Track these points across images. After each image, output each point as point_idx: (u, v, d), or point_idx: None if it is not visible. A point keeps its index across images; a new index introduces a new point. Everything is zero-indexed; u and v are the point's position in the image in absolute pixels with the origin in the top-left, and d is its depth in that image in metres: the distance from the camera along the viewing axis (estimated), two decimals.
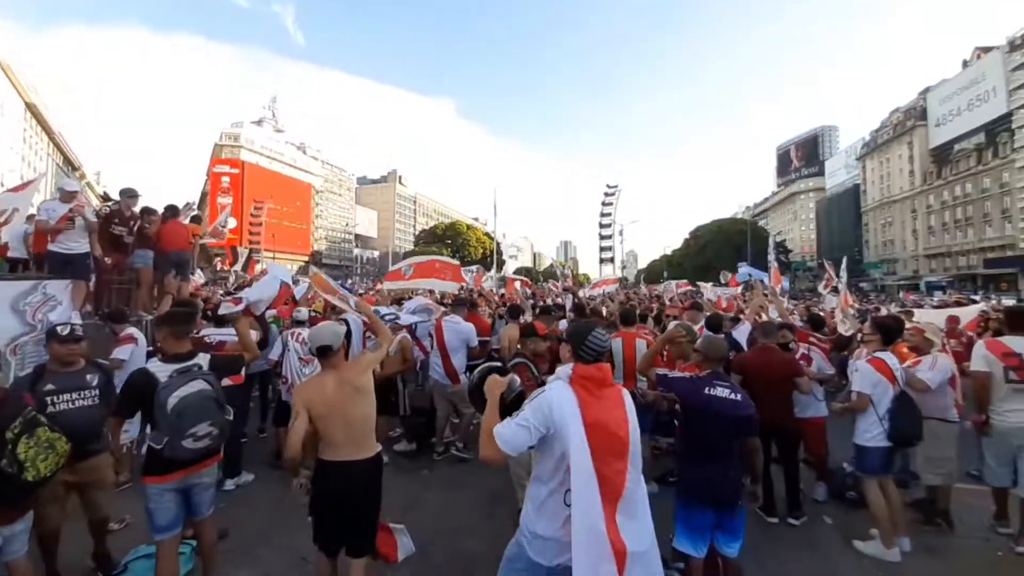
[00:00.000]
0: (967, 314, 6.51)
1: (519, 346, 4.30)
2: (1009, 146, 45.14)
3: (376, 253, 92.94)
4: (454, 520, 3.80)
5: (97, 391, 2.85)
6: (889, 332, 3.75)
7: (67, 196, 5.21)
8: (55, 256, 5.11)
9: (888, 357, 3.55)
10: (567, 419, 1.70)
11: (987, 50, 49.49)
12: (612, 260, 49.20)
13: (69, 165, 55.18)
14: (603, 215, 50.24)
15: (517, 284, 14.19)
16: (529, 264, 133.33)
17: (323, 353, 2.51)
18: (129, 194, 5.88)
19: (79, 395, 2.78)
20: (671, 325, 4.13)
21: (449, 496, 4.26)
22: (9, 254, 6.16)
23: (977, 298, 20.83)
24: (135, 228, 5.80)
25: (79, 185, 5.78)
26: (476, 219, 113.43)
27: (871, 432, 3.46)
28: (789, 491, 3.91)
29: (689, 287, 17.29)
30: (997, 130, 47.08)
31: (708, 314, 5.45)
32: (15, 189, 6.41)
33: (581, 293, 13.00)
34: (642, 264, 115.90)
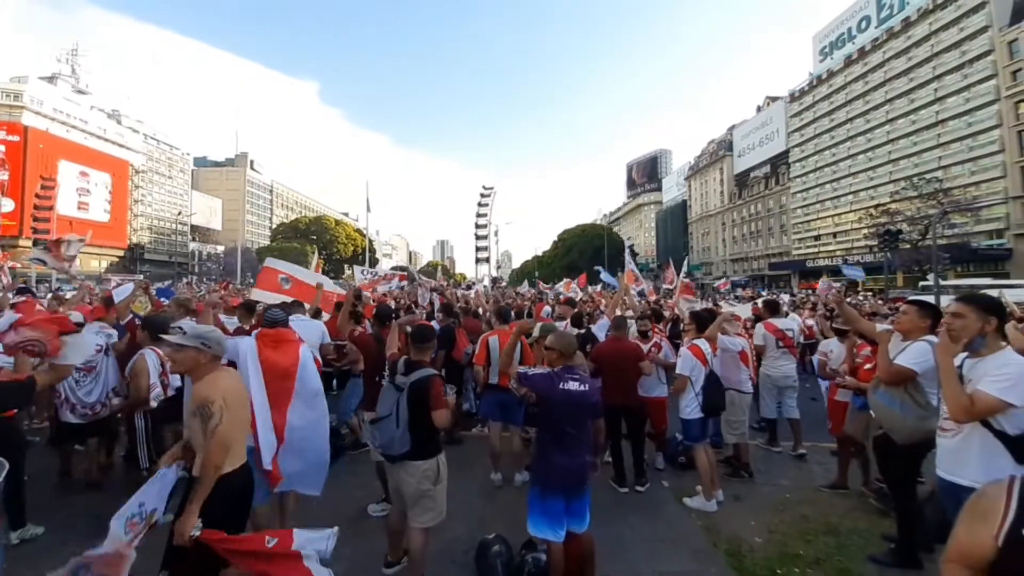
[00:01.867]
0: (742, 311, 8.57)
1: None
2: (786, 175, 59.11)
3: (220, 248, 79.81)
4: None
5: None
6: (703, 322, 4.61)
7: None
8: None
9: (703, 344, 4.34)
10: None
11: (774, 99, 63.92)
12: (488, 260, 50.49)
13: None
14: (479, 215, 51.23)
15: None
16: (405, 262, 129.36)
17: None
18: None
19: None
20: (536, 327, 4.43)
21: (311, 516, 3.90)
22: None
23: (764, 293, 26.70)
24: None
25: None
26: (346, 214, 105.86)
27: (690, 407, 4.22)
28: (636, 463, 4.52)
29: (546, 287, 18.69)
30: (779, 163, 61.16)
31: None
32: None
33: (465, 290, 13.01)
34: (516, 264, 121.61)
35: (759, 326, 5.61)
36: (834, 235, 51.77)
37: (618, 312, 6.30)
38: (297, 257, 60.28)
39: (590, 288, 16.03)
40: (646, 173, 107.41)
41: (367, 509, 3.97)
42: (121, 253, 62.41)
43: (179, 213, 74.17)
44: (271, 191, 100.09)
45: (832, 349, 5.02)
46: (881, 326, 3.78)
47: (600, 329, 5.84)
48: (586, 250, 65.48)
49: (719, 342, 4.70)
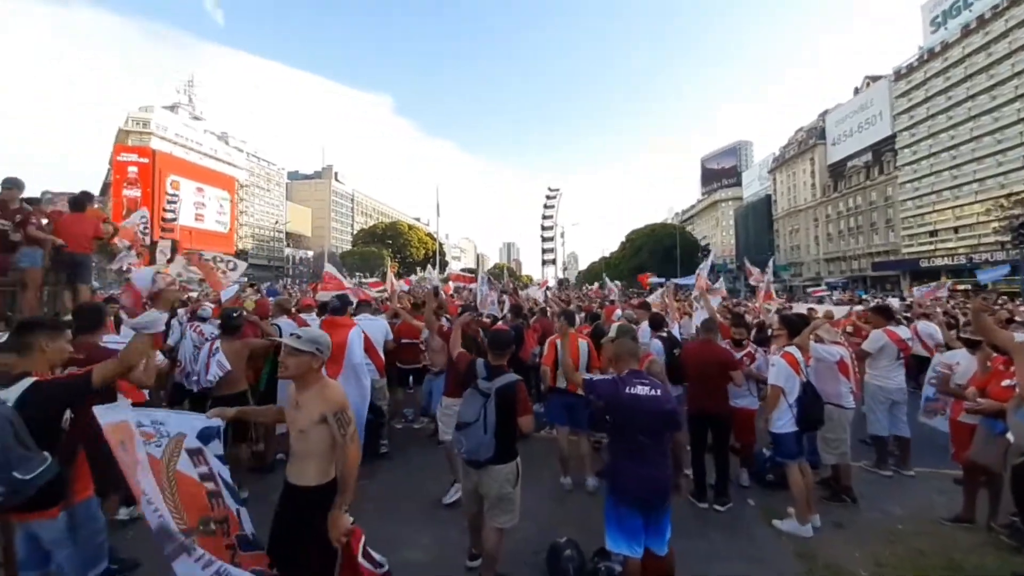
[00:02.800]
0: (838, 312, 7.66)
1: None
2: (892, 164, 52.16)
3: (310, 252, 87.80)
4: (394, 529, 3.69)
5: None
6: (795, 327, 4.18)
7: None
8: None
9: (795, 351, 3.94)
10: None
11: (875, 79, 56.87)
12: (554, 262, 50.35)
13: None
14: (545, 218, 51.28)
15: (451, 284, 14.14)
16: (473, 265, 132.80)
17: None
18: (13, 184, 5.10)
19: None
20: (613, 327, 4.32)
21: (390, 504, 4.13)
22: None
23: (868, 297, 23.78)
24: (20, 223, 5.04)
25: None
26: (418, 219, 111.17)
27: (783, 419, 3.83)
28: (719, 479, 4.20)
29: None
30: (883, 150, 54.19)
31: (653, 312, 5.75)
32: None
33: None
34: (583, 265, 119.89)
35: (879, 333, 5.00)
36: (955, 230, 44.62)
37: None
38: (375, 260, 64.57)
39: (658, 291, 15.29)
40: (723, 167, 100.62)
41: (443, 499, 4.12)
42: (230, 259, 70.88)
43: (276, 222, 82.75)
44: (352, 199, 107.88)
45: (958, 361, 4.35)
46: (1021, 336, 3.20)
47: (677, 333, 5.57)
48: (656, 250, 62.87)
49: (813, 351, 4.26)
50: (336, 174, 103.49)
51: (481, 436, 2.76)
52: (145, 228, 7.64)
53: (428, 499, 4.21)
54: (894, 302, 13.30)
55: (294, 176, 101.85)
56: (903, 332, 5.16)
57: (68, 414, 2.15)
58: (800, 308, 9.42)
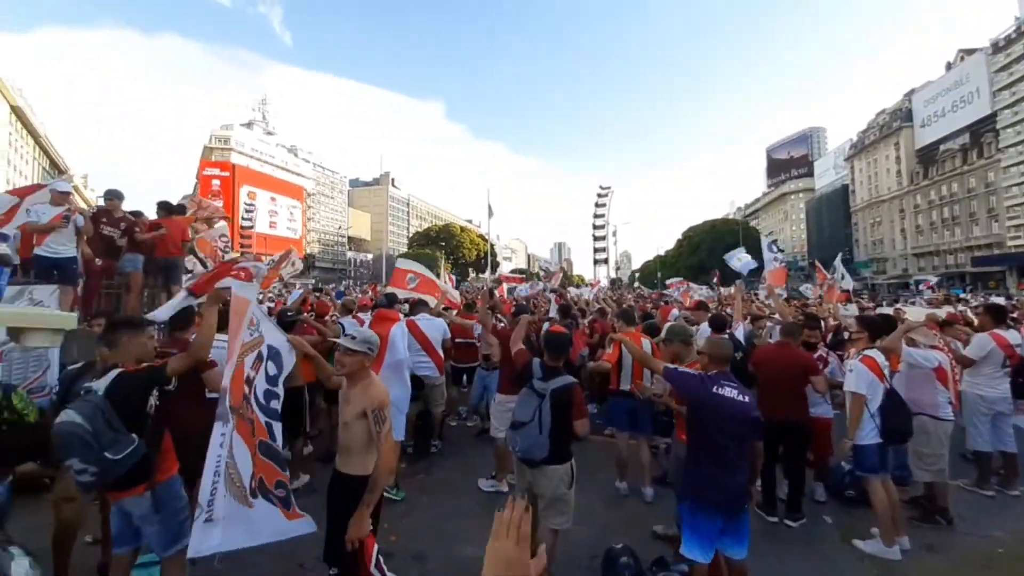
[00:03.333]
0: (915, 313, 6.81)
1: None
2: (994, 146, 45.90)
3: (370, 256, 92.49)
4: (450, 525, 3.76)
5: None
6: (876, 329, 3.78)
7: (58, 198, 5.08)
8: (41, 260, 5.00)
9: (877, 355, 3.56)
10: None
11: (970, 52, 50.37)
12: (606, 261, 49.36)
13: (56, 168, 54.34)
14: (596, 216, 50.42)
15: (505, 286, 14.15)
16: (523, 265, 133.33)
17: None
18: (113, 195, 5.77)
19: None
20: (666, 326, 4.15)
21: (445, 500, 4.22)
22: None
23: (967, 296, 21.13)
24: (126, 230, 5.70)
25: (70, 187, 5.63)
26: (470, 221, 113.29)
27: (864, 429, 3.46)
28: (792, 492, 3.90)
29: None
30: (982, 131, 47.87)
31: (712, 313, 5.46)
32: (19, 192, 6.00)
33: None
34: (636, 265, 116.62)
35: (984, 337, 4.44)
36: None
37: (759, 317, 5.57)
38: (428, 262, 66.61)
39: (723, 290, 14.40)
40: (793, 157, 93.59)
41: (478, 483, 4.15)
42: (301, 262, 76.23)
43: (339, 227, 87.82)
44: (408, 204, 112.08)
45: None
46: None
47: (739, 334, 5.23)
48: (716, 248, 59.37)
49: (906, 356, 3.84)
50: (393, 180, 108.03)
51: (536, 436, 2.77)
52: (226, 245, 8.33)
53: (481, 495, 4.26)
54: (1000, 302, 11.71)
55: (355, 183, 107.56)
56: (1013, 337, 4.50)
57: (153, 400, 2.37)
58: (884, 308, 8.54)
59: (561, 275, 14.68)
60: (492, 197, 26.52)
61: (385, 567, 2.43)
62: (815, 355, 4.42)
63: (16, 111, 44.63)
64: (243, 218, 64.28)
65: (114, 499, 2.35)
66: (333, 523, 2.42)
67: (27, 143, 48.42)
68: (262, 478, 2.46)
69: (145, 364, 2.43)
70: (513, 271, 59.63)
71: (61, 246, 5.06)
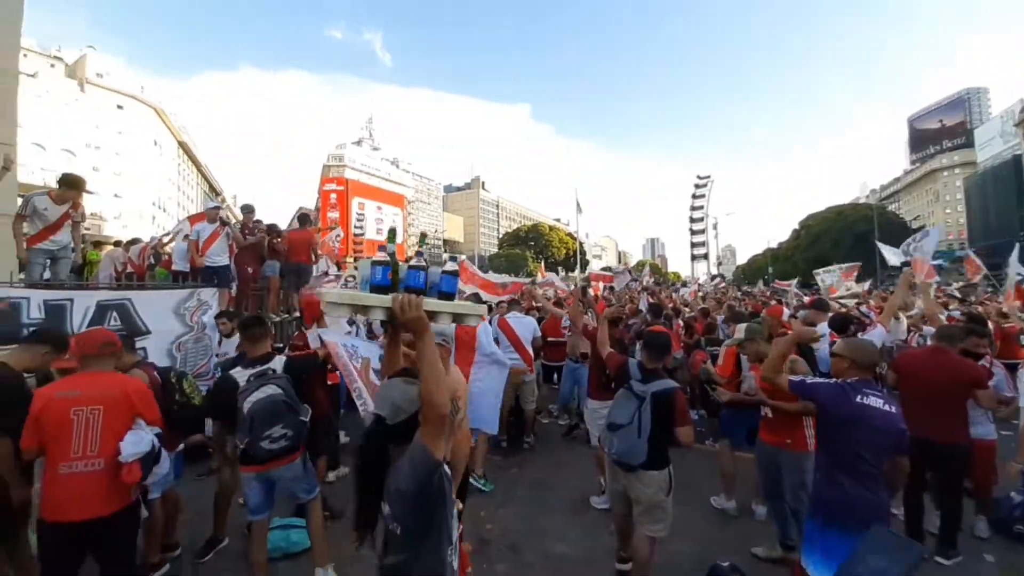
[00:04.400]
0: None
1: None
2: None
3: (463, 257, 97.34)
4: (542, 521, 3.79)
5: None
6: None
7: (212, 213, 6.23)
8: (205, 269, 6.07)
9: None
10: None
11: None
12: (705, 256, 45.84)
13: (212, 191, 65.54)
14: (694, 209, 47.04)
15: (602, 285, 13.78)
16: (614, 263, 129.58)
17: None
18: (247, 209, 6.84)
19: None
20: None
21: (537, 496, 4.25)
22: (173, 268, 7.44)
23: None
24: (262, 240, 6.74)
25: (219, 203, 6.86)
26: (558, 220, 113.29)
27: None
28: (946, 525, 3.27)
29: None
30: None
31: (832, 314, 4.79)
32: (194, 218, 7.57)
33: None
34: (742, 259, 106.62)
35: None
36: None
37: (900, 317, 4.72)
38: (519, 262, 68.04)
39: (858, 285, 12.30)
40: (944, 126, 77.98)
41: (589, 500, 4.08)
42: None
43: (436, 231, 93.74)
44: (497, 206, 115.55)
45: None
46: None
47: (874, 339, 4.48)
48: (843, 238, 51.05)
49: None
50: (483, 184, 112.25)
51: (634, 440, 2.70)
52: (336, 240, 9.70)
53: (573, 494, 4.24)
54: None
55: (448, 189, 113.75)
56: None
57: None
58: None
59: (627, 275, 13.69)
60: (580, 194, 26.23)
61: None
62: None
63: (182, 146, 54.80)
64: (355, 226, 71.59)
65: (266, 469, 2.74)
66: None
67: (191, 171, 59.15)
68: None
69: (303, 351, 3.00)
70: (603, 269, 58.29)
71: (218, 257, 6.11)
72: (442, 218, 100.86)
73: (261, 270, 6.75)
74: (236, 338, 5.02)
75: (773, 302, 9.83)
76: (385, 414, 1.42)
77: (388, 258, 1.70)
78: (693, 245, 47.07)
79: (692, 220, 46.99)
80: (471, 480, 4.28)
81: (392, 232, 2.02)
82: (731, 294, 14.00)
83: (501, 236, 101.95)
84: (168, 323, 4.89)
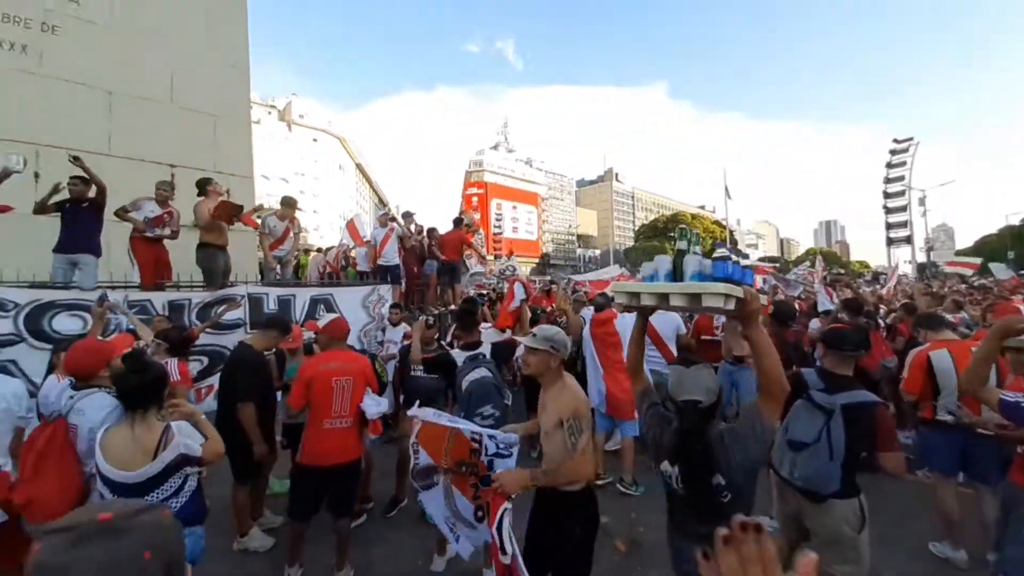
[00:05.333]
0: None
1: None
2: None
3: (597, 251, 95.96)
4: None
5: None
6: None
7: (382, 219, 7.35)
8: (380, 268, 7.10)
9: None
10: None
11: None
12: (907, 240, 36.68)
13: (381, 203, 76.69)
14: (889, 181, 37.89)
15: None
16: (775, 252, 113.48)
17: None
18: (407, 215, 7.78)
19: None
20: None
21: None
22: (358, 268, 8.92)
23: None
24: (423, 242, 7.62)
25: (387, 212, 7.99)
26: (702, 207, 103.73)
27: None
28: None
29: None
30: None
31: None
32: (350, 226, 9.19)
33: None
34: (963, 242, 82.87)
35: None
36: None
37: None
38: (659, 254, 64.11)
39: None
40: None
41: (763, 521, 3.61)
42: (536, 261, 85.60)
43: (569, 226, 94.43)
44: (632, 197, 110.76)
45: None
46: None
47: None
48: None
49: None
50: (616, 175, 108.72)
51: (824, 463, 2.23)
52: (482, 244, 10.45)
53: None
54: None
55: (581, 183, 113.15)
56: None
57: None
58: None
59: (824, 266, 11.30)
60: (728, 176, 23.16)
61: (511, 537, 1.89)
62: None
63: (359, 167, 65.17)
64: (494, 226, 76.36)
65: None
66: (537, 541, 2.19)
67: (365, 188, 70.01)
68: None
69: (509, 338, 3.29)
70: (761, 259, 51.20)
71: (391, 256, 7.09)
72: (575, 213, 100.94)
73: (423, 268, 7.66)
74: (402, 327, 5.75)
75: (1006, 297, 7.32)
76: (701, 398, 1.64)
77: (728, 253, 1.80)
78: (889, 227, 38.09)
79: (887, 196, 38.03)
80: (619, 486, 4.17)
81: (685, 232, 1.99)
82: (918, 288, 10.29)
83: (637, 228, 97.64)
84: (358, 314, 5.86)
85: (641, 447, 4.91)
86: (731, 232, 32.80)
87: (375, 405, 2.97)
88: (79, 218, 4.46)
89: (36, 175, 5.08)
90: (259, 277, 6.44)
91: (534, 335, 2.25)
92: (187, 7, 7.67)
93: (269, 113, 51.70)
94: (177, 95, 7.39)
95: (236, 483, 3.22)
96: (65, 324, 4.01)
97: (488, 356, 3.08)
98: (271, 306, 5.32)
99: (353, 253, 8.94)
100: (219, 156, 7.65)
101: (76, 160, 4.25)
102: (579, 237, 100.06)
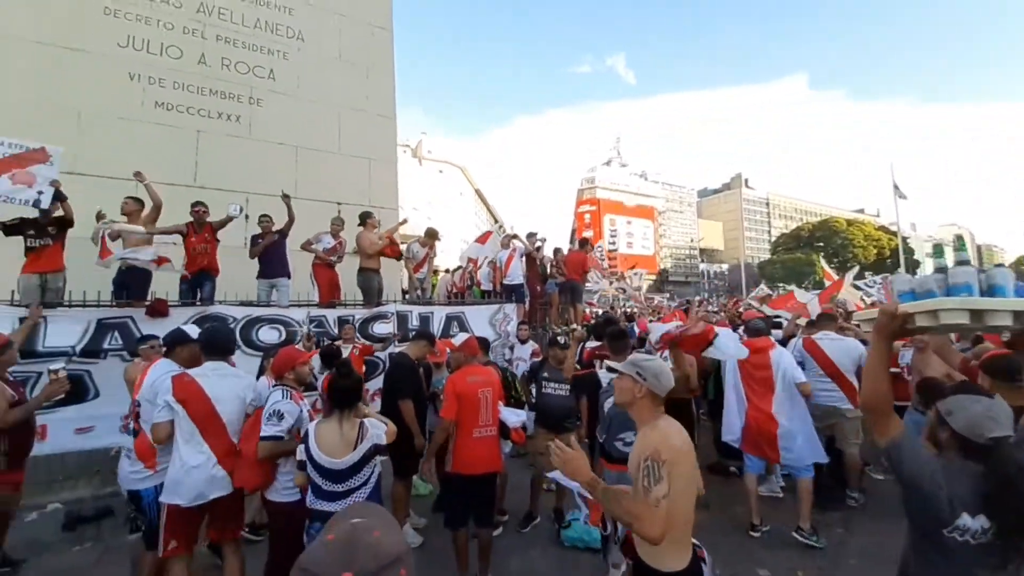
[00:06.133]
0: None
1: None
2: None
3: (724, 266, 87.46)
4: None
5: (569, 386, 3.85)
6: None
7: (505, 241, 7.68)
8: (504, 287, 7.45)
9: None
10: None
11: None
12: None
13: (497, 224, 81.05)
14: None
15: None
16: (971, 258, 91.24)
17: None
18: (531, 235, 8.01)
19: (559, 386, 3.85)
20: None
21: (870, 569, 3.23)
22: (482, 287, 9.48)
23: None
24: (542, 261, 7.81)
25: (511, 234, 8.38)
26: (860, 211, 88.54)
27: None
28: None
29: None
30: None
31: None
32: (480, 240, 9.70)
33: None
34: None
35: None
36: None
37: None
38: (802, 268, 56.09)
39: None
40: None
41: None
42: (654, 277, 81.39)
43: (690, 240, 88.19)
44: (767, 204, 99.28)
45: None
46: None
47: None
48: None
49: None
50: (746, 181, 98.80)
51: None
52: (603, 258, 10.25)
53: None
54: None
55: (703, 194, 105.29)
56: None
57: None
58: None
59: None
60: (897, 173, 19.00)
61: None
62: None
63: (478, 193, 69.91)
64: (608, 242, 75.03)
65: (623, 471, 2.55)
66: None
67: (483, 211, 74.63)
68: None
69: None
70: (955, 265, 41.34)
71: (516, 276, 7.40)
72: (696, 225, 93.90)
73: (546, 287, 7.83)
74: (530, 344, 5.91)
75: None
76: (1008, 432, 1.39)
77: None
78: None
79: None
80: (797, 536, 3.59)
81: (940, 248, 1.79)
82: None
83: (774, 239, 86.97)
84: (486, 331, 6.20)
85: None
86: (904, 239, 27.21)
87: (513, 415, 3.15)
88: (275, 250, 5.61)
89: (246, 217, 6.45)
90: (403, 296, 7.25)
91: (630, 361, 1.94)
92: (350, 72, 9.20)
93: (404, 152, 58.74)
94: (343, 145, 8.84)
95: (396, 477, 3.59)
96: (267, 335, 4.98)
97: None
98: (414, 322, 5.92)
99: (479, 275, 9.55)
100: (372, 192, 8.89)
101: (285, 196, 5.66)
102: (702, 251, 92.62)
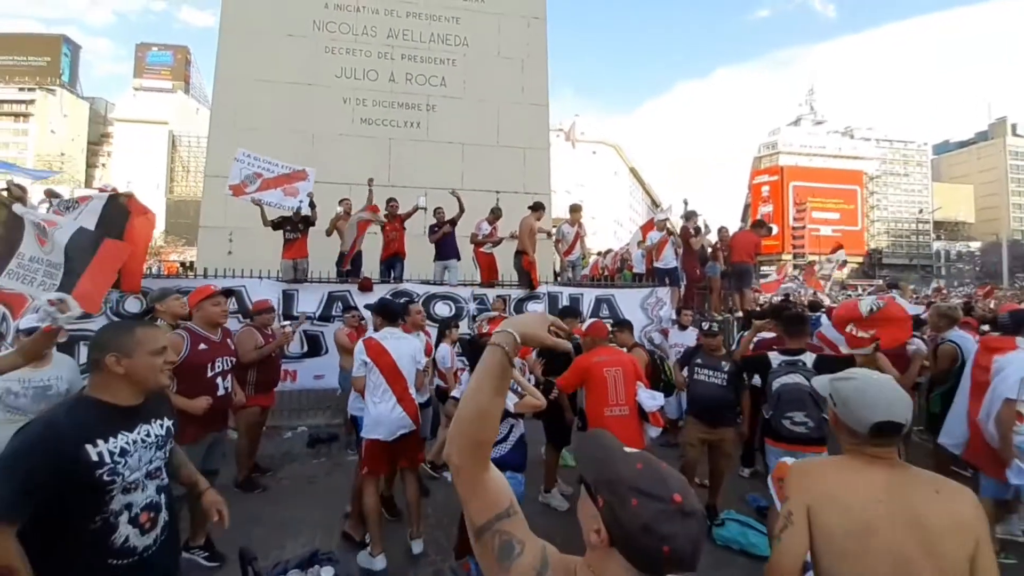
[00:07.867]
0: None
1: None
2: None
3: (974, 245, 65.18)
4: None
5: (726, 375, 3.53)
6: None
7: (660, 224, 7.15)
8: (657, 271, 7.06)
9: None
10: None
11: None
12: None
13: (654, 204, 75.94)
14: None
15: None
16: None
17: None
18: (691, 213, 7.32)
19: (713, 374, 3.59)
20: None
21: None
22: (634, 270, 9.15)
23: None
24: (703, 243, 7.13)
25: (665, 215, 7.80)
26: None
27: None
28: None
29: None
30: None
31: None
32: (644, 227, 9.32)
33: None
34: None
35: None
36: None
37: None
38: None
39: None
40: None
41: None
42: (860, 260, 65.70)
43: (920, 211, 68.37)
44: None
45: None
46: None
47: None
48: None
49: None
50: (1013, 127, 71.57)
51: None
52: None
53: None
54: None
55: (942, 149, 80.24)
56: None
57: None
58: None
59: None
60: None
61: None
62: None
63: (632, 171, 66.41)
64: (794, 220, 63.53)
65: (792, 450, 2.63)
66: None
67: (638, 189, 70.75)
68: None
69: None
70: None
71: (669, 259, 6.96)
72: (930, 191, 71.94)
73: (706, 270, 7.16)
74: (691, 331, 5.56)
75: None
76: None
77: None
78: None
79: None
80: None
81: None
82: None
83: None
84: (636, 315, 6.04)
85: None
86: None
87: (651, 398, 3.12)
88: (447, 236, 6.44)
89: (424, 209, 7.51)
90: (554, 278, 7.52)
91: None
92: (507, 67, 9.78)
93: (557, 136, 59.46)
94: (501, 137, 9.52)
95: (549, 445, 3.90)
96: (440, 309, 5.80)
97: (809, 365, 2.86)
98: (564, 302, 6.13)
99: (631, 257, 9.23)
100: (527, 179, 9.39)
101: (454, 192, 6.57)
102: (937, 225, 70.84)
